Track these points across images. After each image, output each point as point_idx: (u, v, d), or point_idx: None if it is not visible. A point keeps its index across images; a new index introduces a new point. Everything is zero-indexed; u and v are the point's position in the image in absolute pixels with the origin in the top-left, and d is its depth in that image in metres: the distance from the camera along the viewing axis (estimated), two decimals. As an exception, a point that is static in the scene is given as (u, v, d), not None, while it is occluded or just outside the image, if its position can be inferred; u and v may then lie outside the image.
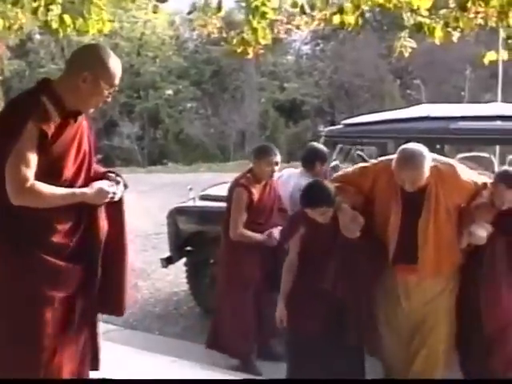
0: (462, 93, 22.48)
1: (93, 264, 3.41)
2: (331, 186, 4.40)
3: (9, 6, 5.09)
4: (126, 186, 3.53)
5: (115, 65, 3.32)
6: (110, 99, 3.37)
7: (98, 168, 3.55)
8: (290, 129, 26.68)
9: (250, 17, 4.36)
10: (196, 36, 28.82)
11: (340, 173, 4.74)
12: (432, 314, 4.45)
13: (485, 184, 4.44)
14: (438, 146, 6.28)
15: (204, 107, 29.25)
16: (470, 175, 4.52)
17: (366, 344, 4.50)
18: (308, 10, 4.12)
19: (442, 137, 6.50)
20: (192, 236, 7.22)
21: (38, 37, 26.32)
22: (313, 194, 4.36)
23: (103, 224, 3.44)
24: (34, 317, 3.22)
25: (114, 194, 3.43)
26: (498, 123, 6.38)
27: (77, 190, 3.31)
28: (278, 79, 28.56)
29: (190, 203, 7.43)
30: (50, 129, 3.15)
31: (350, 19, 4.12)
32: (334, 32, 26.88)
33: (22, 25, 5.59)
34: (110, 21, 5.07)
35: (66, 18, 4.96)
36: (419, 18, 4.19)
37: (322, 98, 27.43)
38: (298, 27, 4.50)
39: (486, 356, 4.31)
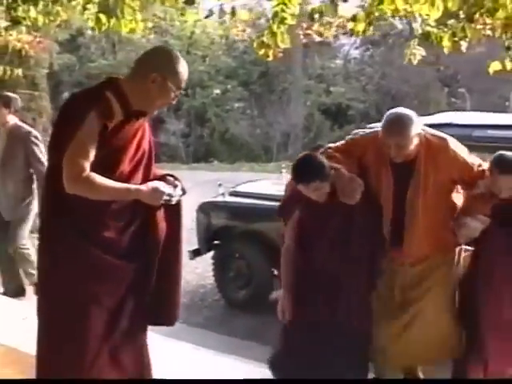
0: (507, 103, 22.40)
1: (147, 266, 3.38)
2: (324, 159, 4.08)
3: (50, 4, 5.42)
4: (183, 191, 3.51)
5: (183, 68, 3.36)
6: (174, 101, 3.43)
7: (158, 171, 3.54)
8: (334, 132, 26.82)
9: (271, 21, 4.64)
10: (246, 36, 29.13)
11: (331, 144, 4.44)
12: (429, 302, 4.24)
13: (482, 171, 4.18)
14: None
15: (250, 108, 29.54)
16: (465, 153, 4.24)
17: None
18: (316, 17, 4.38)
19: (464, 144, 6.70)
20: (220, 230, 7.52)
21: (89, 32, 26.86)
22: (304, 168, 4.03)
23: (162, 226, 3.42)
24: (80, 314, 3.20)
25: (170, 196, 3.40)
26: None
27: (132, 186, 3.30)
28: (325, 82, 28.71)
29: (220, 198, 7.74)
30: (111, 123, 3.19)
31: (361, 27, 4.37)
32: (384, 38, 27.02)
33: (63, 22, 5.96)
34: (142, 21, 5.38)
35: (102, 17, 5.28)
36: (428, 28, 4.42)
37: (369, 103, 27.47)
38: (318, 33, 4.76)
39: (482, 355, 4.13)
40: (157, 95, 3.32)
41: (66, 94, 29.19)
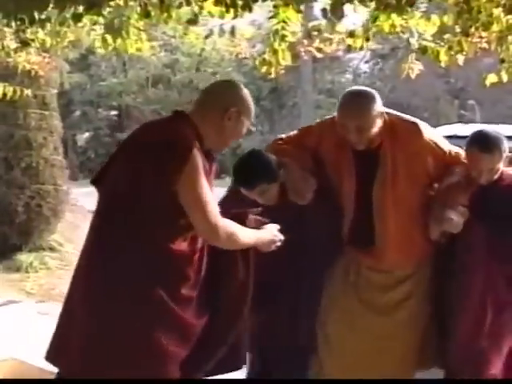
0: (516, 114, 22.47)
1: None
2: (271, 157, 3.63)
3: (57, 26, 5.56)
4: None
5: (252, 102, 3.28)
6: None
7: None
8: (345, 146, 26.92)
9: (272, 39, 4.75)
10: (256, 53, 29.36)
11: (282, 135, 4.03)
12: (401, 308, 3.79)
13: (459, 157, 3.83)
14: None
15: (261, 123, 29.70)
16: (440, 139, 3.85)
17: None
18: (315, 34, 4.50)
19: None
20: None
21: (99, 50, 27.16)
22: (246, 170, 3.59)
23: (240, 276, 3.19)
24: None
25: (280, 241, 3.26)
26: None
27: (257, 232, 3.18)
28: (335, 97, 28.83)
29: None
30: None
31: (359, 43, 4.48)
32: (393, 51, 27.14)
33: (71, 42, 6.09)
34: (148, 40, 5.51)
35: (108, 37, 5.42)
36: (424, 43, 4.53)
37: (379, 117, 27.60)
38: (318, 50, 4.86)
39: (461, 354, 3.76)
40: (232, 132, 3.19)
41: (77, 113, 29.52)
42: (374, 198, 3.68)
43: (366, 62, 31.17)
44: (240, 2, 3.89)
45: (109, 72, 29.45)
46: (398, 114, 3.87)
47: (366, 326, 3.78)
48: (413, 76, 4.77)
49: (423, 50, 4.53)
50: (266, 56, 4.86)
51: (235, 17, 4.17)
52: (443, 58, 4.56)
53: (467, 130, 7.60)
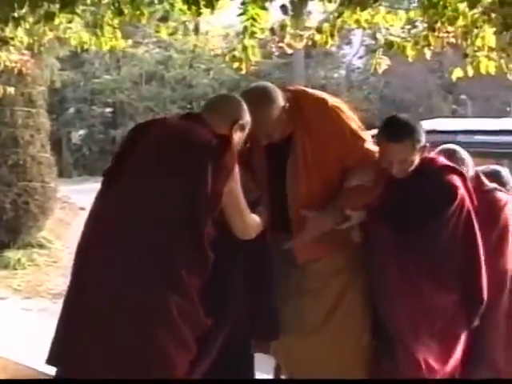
0: (508, 108, 22.53)
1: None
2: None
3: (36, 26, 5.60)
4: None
5: None
6: None
7: None
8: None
9: (241, 36, 4.81)
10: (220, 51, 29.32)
11: None
12: (338, 302, 3.62)
13: (370, 153, 3.57)
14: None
15: (255, 120, 29.82)
16: (355, 123, 3.61)
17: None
18: (277, 32, 4.55)
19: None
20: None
21: (93, 48, 27.17)
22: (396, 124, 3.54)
23: None
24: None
25: None
26: (507, 138, 6.66)
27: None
28: (328, 93, 28.87)
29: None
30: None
31: (325, 38, 4.54)
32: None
33: (49, 41, 6.14)
34: (123, 38, 5.54)
35: (84, 35, 5.48)
36: (391, 38, 4.57)
37: (372, 112, 27.65)
38: (289, 45, 4.90)
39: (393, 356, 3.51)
40: (236, 143, 3.24)
41: (71, 110, 29.56)
42: (288, 194, 3.57)
43: (360, 57, 31.23)
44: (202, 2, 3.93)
45: (102, 69, 29.55)
46: (313, 92, 3.72)
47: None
48: (380, 71, 4.79)
49: (389, 45, 4.57)
50: (236, 52, 4.90)
51: (199, 14, 4.22)
52: (410, 52, 4.58)
53: (447, 124, 7.69)
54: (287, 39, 4.92)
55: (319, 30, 4.59)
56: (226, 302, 3.21)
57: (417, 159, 3.48)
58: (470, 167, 3.95)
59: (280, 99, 3.46)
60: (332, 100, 3.64)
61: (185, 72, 29.70)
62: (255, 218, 3.26)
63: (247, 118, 3.26)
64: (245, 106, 3.26)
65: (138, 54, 28.33)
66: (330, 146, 3.51)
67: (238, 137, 3.23)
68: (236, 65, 5.03)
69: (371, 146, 3.59)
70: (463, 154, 3.97)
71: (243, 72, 5.08)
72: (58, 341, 3.01)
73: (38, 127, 11.25)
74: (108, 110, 31.00)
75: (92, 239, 3.06)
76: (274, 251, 3.49)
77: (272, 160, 3.61)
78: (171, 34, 4.99)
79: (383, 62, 4.74)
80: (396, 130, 3.42)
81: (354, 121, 3.62)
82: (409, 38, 4.60)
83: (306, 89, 3.78)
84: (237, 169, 3.06)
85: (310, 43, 4.89)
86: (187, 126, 3.14)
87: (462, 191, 3.50)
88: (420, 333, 3.47)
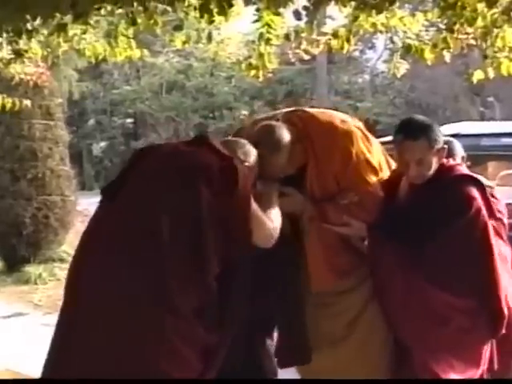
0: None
1: None
2: None
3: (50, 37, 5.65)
4: None
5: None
6: None
7: None
8: (363, 148, 26.95)
9: (257, 43, 4.82)
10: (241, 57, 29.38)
11: None
12: (359, 315, 3.63)
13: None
14: (468, 163, 6.62)
15: (278, 128, 29.85)
16: (365, 148, 3.59)
17: None
18: (292, 38, 4.56)
19: (472, 154, 6.83)
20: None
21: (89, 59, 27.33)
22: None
23: None
24: None
25: None
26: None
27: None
28: (353, 98, 28.93)
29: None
30: None
31: (341, 43, 4.53)
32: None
33: (65, 52, 6.19)
34: (138, 48, 5.58)
35: (98, 46, 5.53)
36: (408, 41, 4.56)
37: (398, 117, 27.56)
38: (306, 51, 4.90)
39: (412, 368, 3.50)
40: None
41: (91, 122, 29.81)
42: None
43: (384, 61, 31.14)
44: (215, 9, 3.95)
45: (122, 80, 29.79)
46: (322, 118, 3.63)
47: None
48: (398, 75, 4.78)
49: (407, 49, 4.55)
50: (253, 60, 4.91)
51: (211, 22, 4.24)
52: (428, 55, 4.56)
53: (472, 127, 7.67)
54: (303, 45, 4.93)
55: (335, 34, 4.58)
56: (229, 317, 3.13)
57: (434, 162, 3.45)
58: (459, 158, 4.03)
59: (286, 139, 3.44)
60: (342, 125, 3.59)
61: (206, 80, 29.85)
62: (272, 224, 3.19)
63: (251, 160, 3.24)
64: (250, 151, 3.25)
65: (157, 64, 28.53)
66: (337, 177, 3.56)
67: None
68: (252, 73, 5.04)
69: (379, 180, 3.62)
70: (455, 144, 4.11)
71: (262, 79, 5.09)
72: (52, 355, 2.96)
73: (57, 140, 11.34)
74: (129, 120, 31.25)
75: (88, 254, 3.02)
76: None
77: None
78: (184, 43, 5.01)
79: (402, 66, 4.72)
80: (412, 128, 3.43)
81: (365, 147, 3.60)
82: (427, 41, 4.57)
83: (315, 113, 3.66)
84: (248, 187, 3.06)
85: (326, 49, 4.90)
86: (193, 148, 3.12)
87: (477, 202, 3.44)
88: (435, 347, 3.46)
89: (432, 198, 3.42)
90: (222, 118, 29.10)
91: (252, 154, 3.27)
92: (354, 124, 3.65)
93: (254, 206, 3.07)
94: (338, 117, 3.66)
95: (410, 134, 3.40)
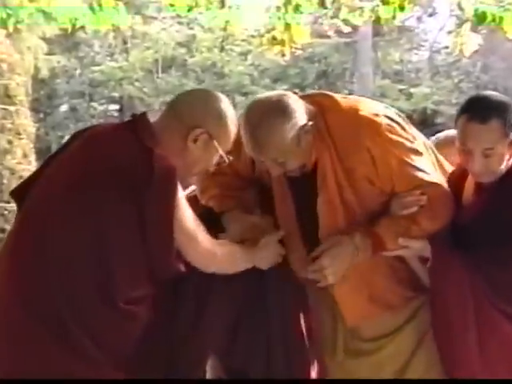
0: None
1: None
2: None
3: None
4: None
5: (234, 124, 3.38)
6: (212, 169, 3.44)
7: None
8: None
9: (282, 11, 4.81)
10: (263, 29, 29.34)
11: None
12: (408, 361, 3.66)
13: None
14: None
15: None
16: (402, 142, 3.53)
17: None
18: (329, 6, 4.54)
19: None
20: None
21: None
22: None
23: None
24: None
25: None
26: None
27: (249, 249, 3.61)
28: (404, 82, 28.84)
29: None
30: None
31: (393, 11, 4.50)
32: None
33: (28, 15, 6.19)
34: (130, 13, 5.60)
35: (75, 9, 5.54)
36: (482, 7, 4.48)
37: (464, 107, 27.48)
38: (346, 22, 4.90)
39: None
40: (197, 159, 3.33)
41: (64, 108, 29.88)
42: (319, 231, 3.64)
43: (449, 32, 31.03)
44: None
45: (104, 53, 29.77)
46: (345, 103, 3.60)
47: None
48: (467, 53, 4.72)
49: (480, 17, 4.47)
50: (277, 32, 4.90)
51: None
52: (509, 26, 4.49)
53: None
54: (343, 14, 4.93)
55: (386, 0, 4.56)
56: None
57: (506, 156, 3.42)
58: None
59: (298, 116, 3.43)
60: (371, 113, 3.55)
61: (214, 57, 29.81)
62: (218, 247, 3.37)
63: (218, 126, 3.30)
64: (218, 110, 3.31)
65: (151, 34, 28.59)
66: (367, 179, 3.54)
67: (197, 150, 3.29)
68: (277, 49, 5.04)
69: (427, 170, 3.57)
70: None
71: (285, 58, 5.09)
72: None
73: (18, 130, 11.33)
74: (113, 107, 31.25)
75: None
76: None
77: (297, 193, 3.67)
78: (190, 10, 5.02)
79: (472, 40, 4.66)
80: (481, 108, 3.33)
81: (401, 141, 3.55)
82: (508, 6, 4.50)
83: (337, 97, 3.66)
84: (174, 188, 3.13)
85: (372, 18, 4.89)
86: (115, 140, 3.26)
87: None
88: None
89: (504, 205, 3.40)
90: (235, 106, 29.07)
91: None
92: (388, 114, 3.60)
93: (184, 214, 3.20)
94: (367, 104, 3.63)
95: (478, 114, 3.30)
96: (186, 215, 3.22)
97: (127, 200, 3.09)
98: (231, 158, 3.40)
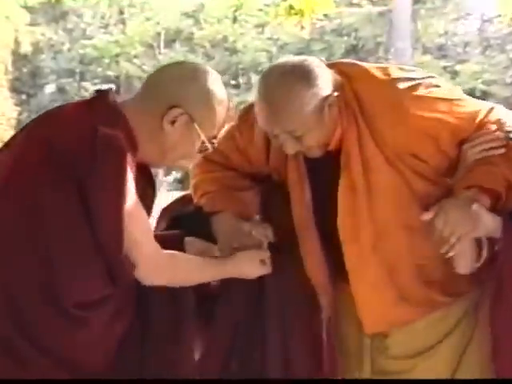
0: None
1: None
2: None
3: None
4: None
5: (223, 106, 3.28)
6: (200, 156, 3.38)
7: None
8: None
9: (300, -27, 4.79)
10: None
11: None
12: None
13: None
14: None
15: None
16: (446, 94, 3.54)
17: None
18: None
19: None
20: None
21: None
22: None
23: None
24: None
25: None
26: None
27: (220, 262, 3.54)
28: (450, 58, 28.81)
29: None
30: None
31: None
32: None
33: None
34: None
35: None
36: None
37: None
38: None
39: None
40: (174, 143, 3.23)
41: (50, 89, 30.02)
42: (340, 233, 3.60)
43: (502, -1, 31.01)
44: None
45: (97, 25, 29.87)
46: (376, 70, 3.57)
47: None
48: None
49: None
50: (294, 1, 4.88)
51: None
52: None
53: None
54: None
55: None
56: None
57: None
58: None
59: (322, 84, 3.38)
60: (406, 77, 3.54)
61: (225, 29, 29.88)
62: (167, 256, 3.29)
63: (201, 105, 3.20)
64: (202, 87, 3.21)
65: (152, 2, 28.72)
66: (407, 145, 3.50)
67: (175, 133, 3.19)
68: (295, 20, 5.02)
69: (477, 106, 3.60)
70: None
71: (305, 31, 5.07)
72: None
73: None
74: (107, 87, 31.36)
75: None
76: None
77: (316, 181, 3.65)
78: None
79: None
80: None
81: (448, 106, 3.52)
82: None
83: (367, 65, 3.62)
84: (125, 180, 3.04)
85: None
86: (67, 119, 3.18)
87: None
88: None
89: None
90: (250, 86, 29.11)
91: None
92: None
93: (130, 208, 3.08)
94: (399, 69, 3.61)
95: None
96: (133, 209, 3.08)
97: (68, 188, 3.01)
98: (216, 144, 3.31)
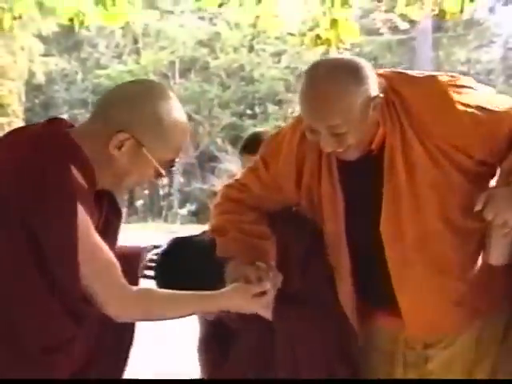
0: None
1: None
2: None
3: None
4: None
5: (178, 129, 3.19)
6: (158, 181, 3.32)
7: None
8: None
9: (328, 5, 4.88)
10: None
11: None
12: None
13: None
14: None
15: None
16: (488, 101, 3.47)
17: None
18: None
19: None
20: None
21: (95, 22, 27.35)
22: None
23: None
24: None
25: None
26: None
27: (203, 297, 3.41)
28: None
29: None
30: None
31: (460, 3, 4.54)
32: None
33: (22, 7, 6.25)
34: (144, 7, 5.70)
35: (78, 2, 5.64)
36: None
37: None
38: (403, 17, 4.96)
39: None
40: (127, 168, 3.16)
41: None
42: (382, 236, 3.57)
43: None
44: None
45: (111, 54, 29.92)
46: (416, 75, 3.57)
47: None
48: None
49: None
50: (321, 30, 4.96)
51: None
52: None
53: None
54: (400, 8, 4.97)
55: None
56: None
57: None
58: None
59: (370, 83, 3.35)
60: (450, 77, 3.53)
61: (242, 58, 29.90)
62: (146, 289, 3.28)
63: (150, 129, 3.10)
64: (152, 108, 3.09)
65: (167, 31, 28.75)
66: (454, 151, 3.46)
67: (125, 158, 3.09)
68: (322, 48, 5.08)
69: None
70: None
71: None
72: None
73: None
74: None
75: None
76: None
77: (352, 187, 3.62)
78: (221, 6, 5.09)
79: None
80: None
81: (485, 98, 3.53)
82: None
83: (408, 72, 3.64)
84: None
85: (435, 12, 4.93)
86: (19, 145, 3.06)
87: None
88: None
89: None
90: (267, 116, 29.13)
91: None
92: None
93: (87, 239, 3.01)
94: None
95: None
96: (88, 248, 3.00)
97: (12, 225, 2.91)
98: (167, 169, 3.22)
